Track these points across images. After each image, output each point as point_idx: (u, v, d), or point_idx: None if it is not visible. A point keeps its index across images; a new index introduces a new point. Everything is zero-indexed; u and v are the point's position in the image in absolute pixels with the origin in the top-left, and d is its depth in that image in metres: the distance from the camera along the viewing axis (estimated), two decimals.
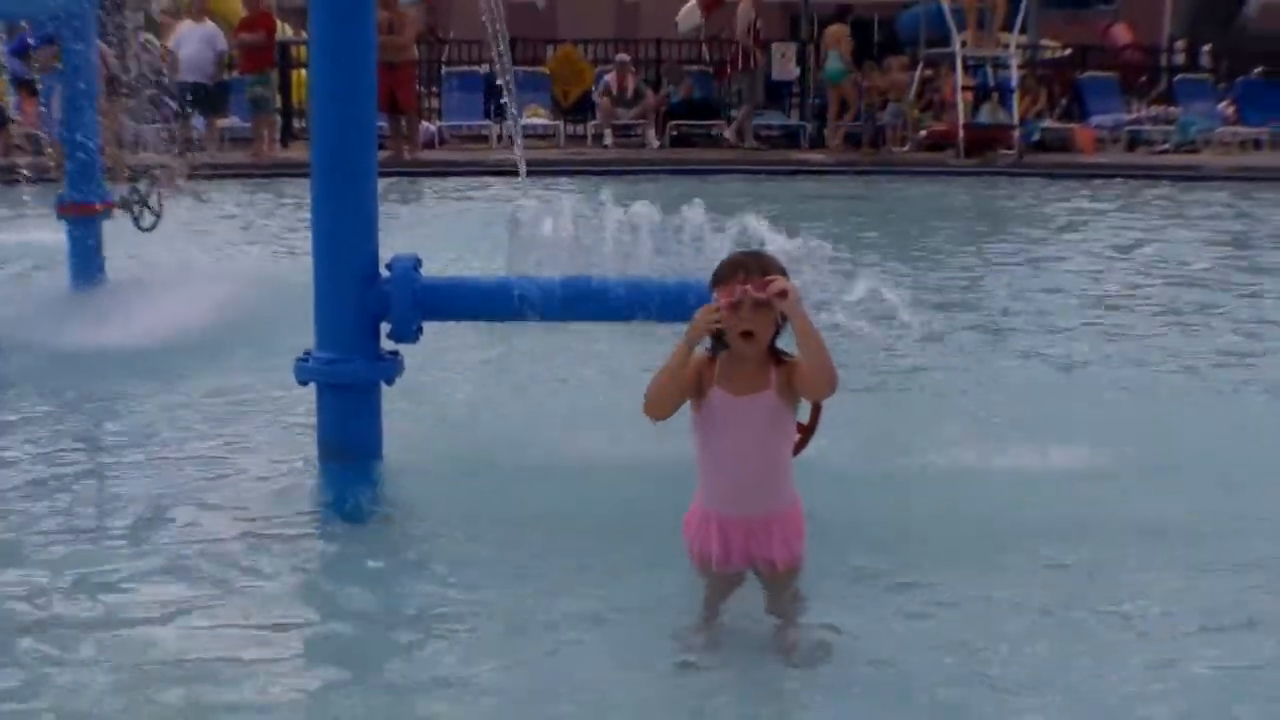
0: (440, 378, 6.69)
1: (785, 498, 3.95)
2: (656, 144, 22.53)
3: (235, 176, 17.51)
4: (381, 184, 5.55)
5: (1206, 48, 27.73)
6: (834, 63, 22.80)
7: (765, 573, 3.96)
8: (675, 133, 22.92)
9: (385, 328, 5.38)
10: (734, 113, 23.44)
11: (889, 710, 3.65)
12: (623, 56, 23.45)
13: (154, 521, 4.97)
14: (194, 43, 20.44)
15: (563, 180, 16.38)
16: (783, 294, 3.71)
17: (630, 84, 22.95)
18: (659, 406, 3.87)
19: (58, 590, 4.31)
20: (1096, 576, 4.49)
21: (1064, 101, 24.63)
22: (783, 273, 3.83)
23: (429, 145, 21.73)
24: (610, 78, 23.02)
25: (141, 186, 9.32)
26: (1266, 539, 4.81)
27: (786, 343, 3.85)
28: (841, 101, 22.94)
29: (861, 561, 4.53)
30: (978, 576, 4.44)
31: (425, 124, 22.07)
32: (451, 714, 3.64)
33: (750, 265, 3.82)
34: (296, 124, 21.82)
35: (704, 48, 25.96)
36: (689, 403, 3.90)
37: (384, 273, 5.35)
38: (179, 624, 4.09)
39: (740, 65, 22.96)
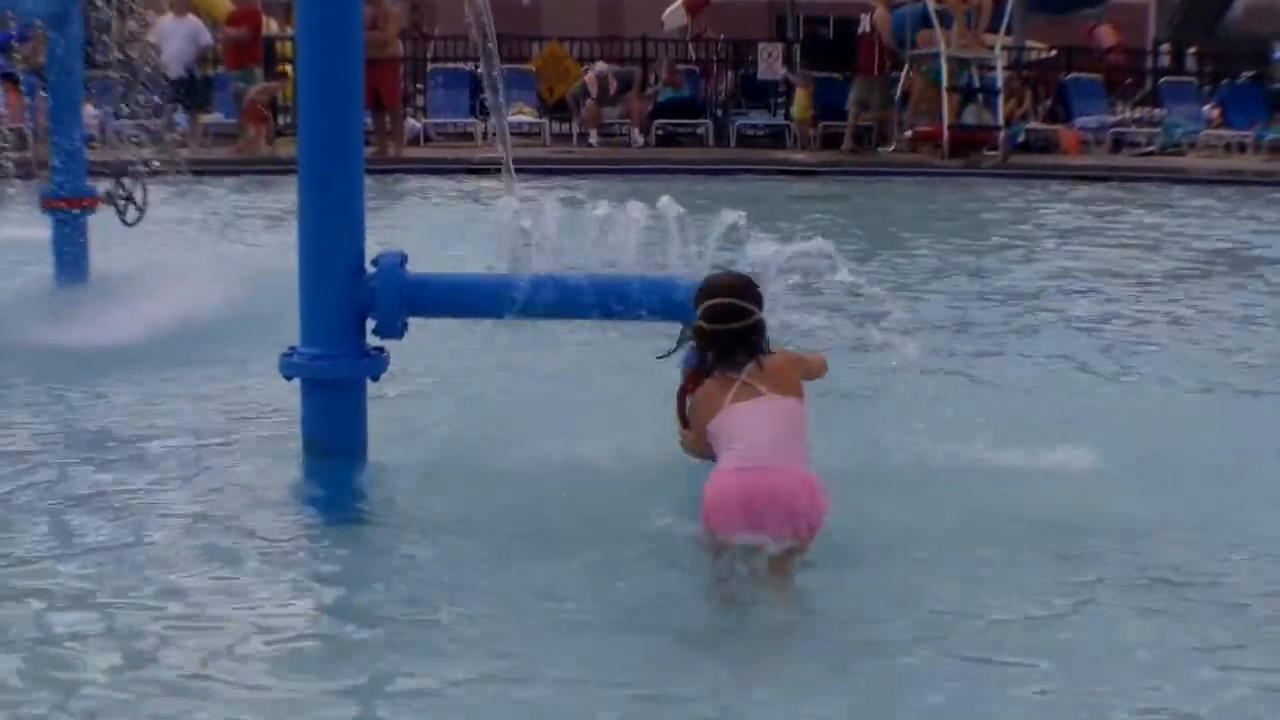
0: (427, 374, 6.67)
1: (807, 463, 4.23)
2: (641, 142, 22.51)
3: (219, 173, 17.42)
4: (366, 181, 5.54)
5: (1191, 50, 27.78)
6: None
7: (788, 541, 4.07)
8: (660, 132, 22.89)
9: (371, 324, 5.37)
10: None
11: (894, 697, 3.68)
12: (602, 65, 23.25)
13: (135, 519, 4.95)
14: (177, 38, 20.39)
15: (547, 178, 16.37)
16: None
17: (613, 85, 22.88)
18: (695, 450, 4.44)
19: (39, 591, 4.29)
20: (1095, 572, 4.50)
21: (1048, 103, 24.66)
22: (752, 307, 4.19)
23: (414, 142, 21.69)
24: (590, 78, 22.89)
25: (126, 181, 9.28)
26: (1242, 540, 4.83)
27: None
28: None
29: (855, 560, 4.53)
30: (974, 575, 4.45)
31: (411, 121, 22.03)
32: (432, 714, 3.62)
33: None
34: (282, 120, 21.75)
35: (690, 47, 25.96)
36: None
37: (370, 269, 5.33)
38: (161, 620, 4.07)
39: (874, 70, 22.28)
